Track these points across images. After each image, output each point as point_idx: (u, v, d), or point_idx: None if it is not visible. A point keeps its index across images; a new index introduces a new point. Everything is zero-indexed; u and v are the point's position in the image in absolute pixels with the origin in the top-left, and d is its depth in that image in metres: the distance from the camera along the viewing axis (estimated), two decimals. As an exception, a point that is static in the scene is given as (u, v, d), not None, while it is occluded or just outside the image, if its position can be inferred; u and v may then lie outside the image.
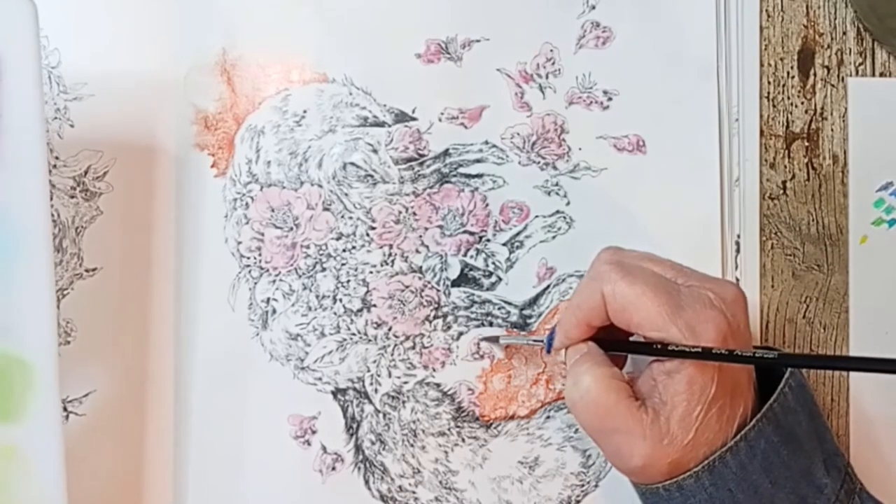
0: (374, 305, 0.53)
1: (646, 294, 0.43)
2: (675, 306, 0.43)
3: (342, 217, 0.53)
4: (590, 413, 0.44)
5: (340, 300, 0.53)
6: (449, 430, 0.53)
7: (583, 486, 0.53)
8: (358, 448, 0.53)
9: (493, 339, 0.53)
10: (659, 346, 0.43)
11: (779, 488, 0.43)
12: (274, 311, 0.53)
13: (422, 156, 0.54)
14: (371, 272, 0.53)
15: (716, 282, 0.45)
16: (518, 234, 0.54)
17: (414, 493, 0.53)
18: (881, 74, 0.55)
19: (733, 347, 0.42)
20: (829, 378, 0.54)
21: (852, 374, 0.54)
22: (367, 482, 0.53)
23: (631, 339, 0.47)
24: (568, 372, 0.46)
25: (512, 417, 0.53)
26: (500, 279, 0.54)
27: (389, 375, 0.53)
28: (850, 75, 0.55)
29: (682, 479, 0.43)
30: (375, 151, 0.53)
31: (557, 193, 0.54)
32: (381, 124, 0.53)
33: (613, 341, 0.47)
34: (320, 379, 0.53)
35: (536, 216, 0.54)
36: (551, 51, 0.54)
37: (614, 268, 0.44)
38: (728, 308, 0.44)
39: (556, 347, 0.48)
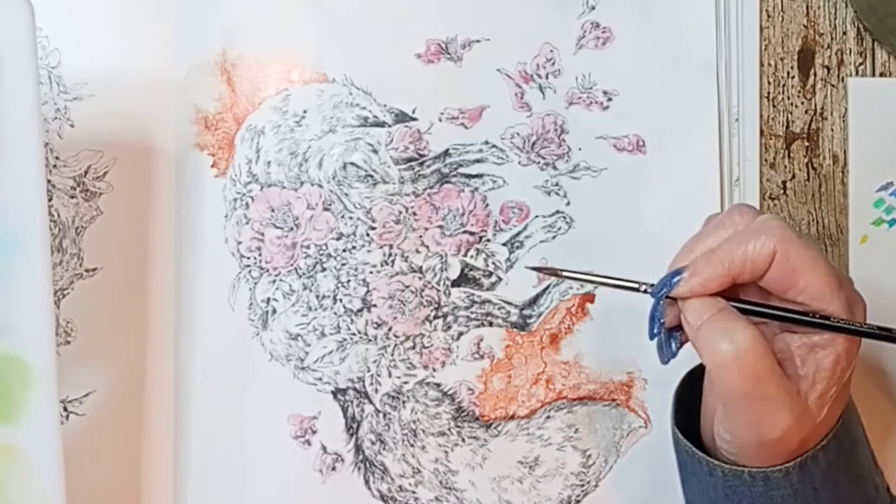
0: (375, 305, 0.53)
1: (819, 260, 0.41)
2: (840, 279, 0.41)
3: (342, 217, 0.53)
4: (745, 375, 0.40)
5: (340, 300, 0.53)
6: (449, 430, 0.53)
7: (583, 485, 0.53)
8: (358, 448, 0.53)
9: (551, 272, 0.50)
10: (816, 317, 0.41)
11: (854, 487, 0.43)
12: (274, 311, 0.53)
13: (422, 156, 0.54)
14: (371, 272, 0.53)
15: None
16: (518, 234, 0.54)
17: (414, 492, 0.53)
18: (881, 74, 0.55)
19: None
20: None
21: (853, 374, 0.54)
22: (367, 482, 0.53)
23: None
24: (707, 327, 0.41)
25: (512, 417, 0.53)
26: (500, 279, 0.54)
27: (389, 375, 0.53)
28: (850, 75, 0.54)
29: (771, 471, 0.41)
30: (375, 151, 0.53)
31: (557, 193, 0.54)
32: (381, 124, 0.53)
33: (759, 303, 0.43)
34: (320, 379, 0.53)
35: (536, 216, 0.54)
36: (551, 51, 0.54)
37: (788, 227, 0.42)
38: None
39: (684, 294, 0.43)
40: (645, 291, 0.44)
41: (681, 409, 0.47)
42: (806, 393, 0.41)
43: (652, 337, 0.45)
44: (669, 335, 0.45)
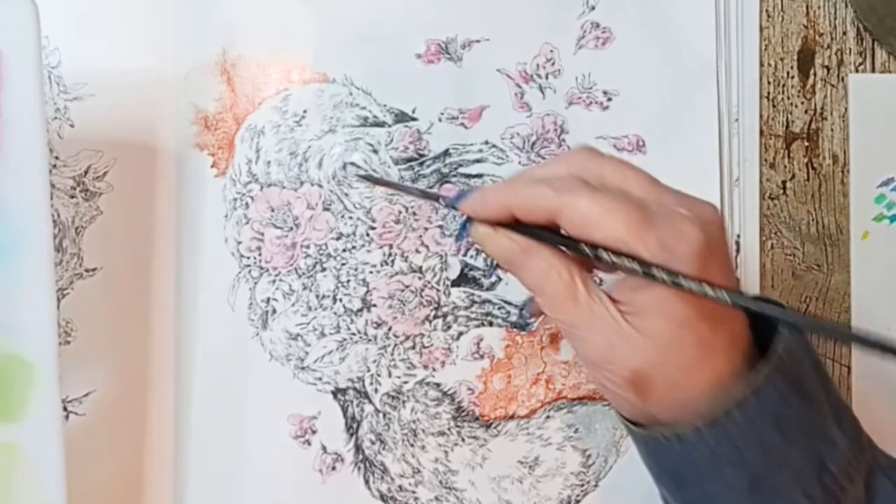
0: (374, 305, 0.53)
1: (611, 209, 0.38)
2: (643, 220, 0.38)
3: (342, 217, 0.53)
4: (552, 304, 0.40)
5: (340, 300, 0.53)
6: (449, 429, 0.53)
7: (583, 485, 0.53)
8: (358, 448, 0.53)
9: (375, 180, 0.51)
10: (610, 256, 0.39)
11: (792, 445, 0.40)
12: (274, 311, 0.53)
13: (422, 156, 0.54)
14: (371, 272, 0.53)
15: (691, 199, 0.41)
16: (518, 233, 0.54)
17: (414, 492, 0.53)
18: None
19: (713, 268, 0.39)
20: (829, 378, 0.54)
21: (854, 374, 0.54)
22: (367, 482, 0.53)
23: None
24: (517, 258, 0.41)
25: (512, 417, 0.53)
26: (499, 279, 0.54)
27: (389, 375, 0.53)
28: (850, 75, 0.55)
29: (682, 431, 0.40)
30: (375, 151, 0.53)
31: (557, 193, 0.54)
32: (381, 124, 0.53)
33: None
34: (320, 379, 0.53)
35: (536, 216, 0.54)
36: (551, 51, 0.54)
37: (577, 180, 0.40)
38: (705, 226, 0.39)
39: (465, 210, 0.42)
40: (445, 205, 0.44)
41: None
42: (630, 328, 0.39)
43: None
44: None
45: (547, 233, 0.41)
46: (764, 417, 0.39)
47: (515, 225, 0.41)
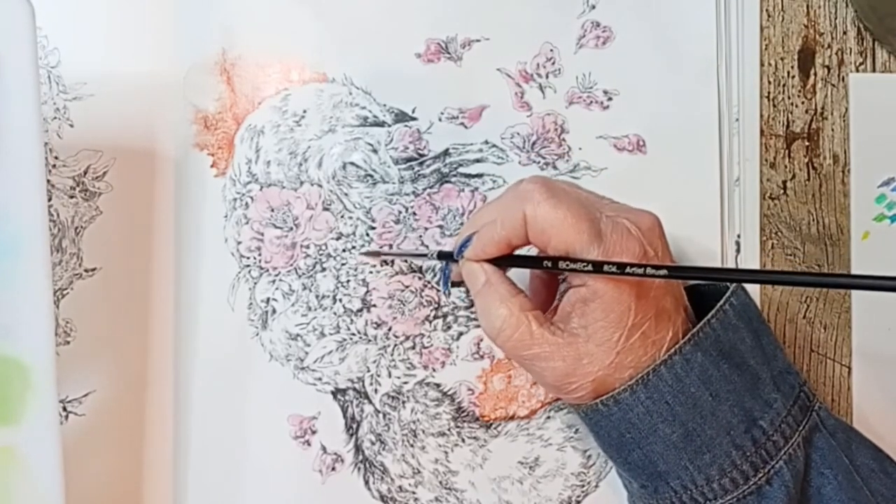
0: (374, 305, 0.53)
1: (567, 219, 0.43)
2: (595, 234, 0.43)
3: (342, 217, 0.53)
4: (509, 348, 0.45)
5: (340, 300, 0.53)
6: (449, 430, 0.53)
7: (583, 486, 0.53)
8: (358, 448, 0.53)
9: (375, 255, 0.53)
10: (549, 264, 0.44)
11: (720, 401, 0.44)
12: (274, 311, 0.53)
13: (422, 155, 0.54)
14: (371, 272, 0.53)
15: (632, 211, 0.46)
16: (518, 233, 0.54)
17: (414, 493, 0.53)
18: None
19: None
20: (829, 378, 0.54)
21: (854, 374, 0.54)
22: (366, 482, 0.53)
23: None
24: (477, 300, 0.46)
25: (512, 417, 0.53)
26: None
27: (389, 375, 0.53)
28: (851, 74, 0.55)
29: (618, 393, 0.44)
30: (375, 151, 0.53)
31: (557, 193, 0.54)
32: (381, 124, 0.53)
33: (510, 256, 0.47)
34: (320, 379, 0.53)
35: (536, 216, 0.54)
36: (551, 51, 0.54)
37: (539, 188, 0.44)
38: (645, 236, 0.44)
39: (470, 258, 0.47)
40: (448, 259, 0.49)
41: None
42: (586, 341, 0.44)
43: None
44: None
45: (514, 257, 0.47)
46: (692, 376, 0.44)
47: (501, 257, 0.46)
